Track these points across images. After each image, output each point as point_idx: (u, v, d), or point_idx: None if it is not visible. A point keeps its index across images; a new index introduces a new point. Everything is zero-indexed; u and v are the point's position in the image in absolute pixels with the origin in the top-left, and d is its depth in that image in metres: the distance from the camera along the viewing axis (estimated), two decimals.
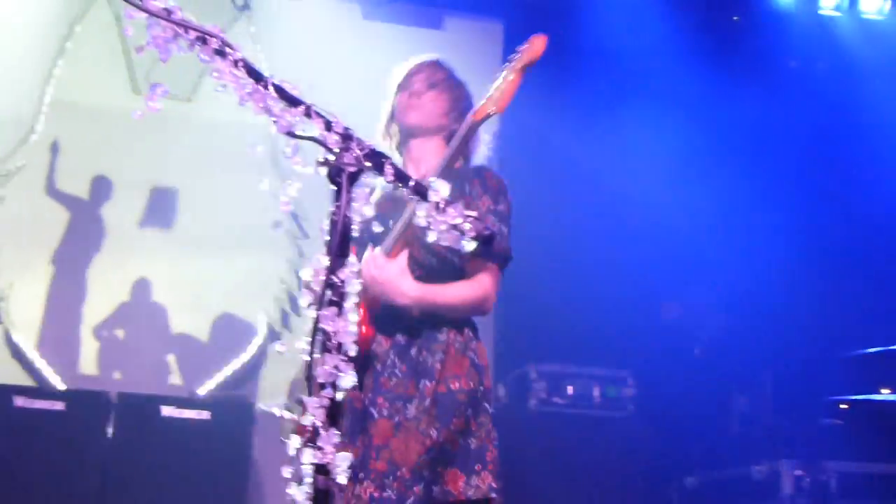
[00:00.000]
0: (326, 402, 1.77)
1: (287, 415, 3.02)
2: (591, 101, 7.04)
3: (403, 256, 3.00)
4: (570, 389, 6.27)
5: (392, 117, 3.35)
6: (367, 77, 6.83)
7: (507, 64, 3.03)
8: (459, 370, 3.04)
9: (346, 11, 7.04)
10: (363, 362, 3.01)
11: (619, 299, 6.81)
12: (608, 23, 7.01)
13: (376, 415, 2.97)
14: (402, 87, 3.32)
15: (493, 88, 3.00)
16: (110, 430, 5.32)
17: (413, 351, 3.03)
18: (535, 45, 3.00)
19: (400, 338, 3.06)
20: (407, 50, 7.00)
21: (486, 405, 3.09)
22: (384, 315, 3.06)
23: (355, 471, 2.88)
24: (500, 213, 3.16)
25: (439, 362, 3.01)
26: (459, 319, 3.13)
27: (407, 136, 3.31)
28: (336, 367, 1.78)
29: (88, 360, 6.40)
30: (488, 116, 3.02)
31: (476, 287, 3.13)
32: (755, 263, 6.89)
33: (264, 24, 6.90)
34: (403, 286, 2.98)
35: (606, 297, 6.79)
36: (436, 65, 3.38)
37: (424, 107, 3.26)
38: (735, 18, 7.39)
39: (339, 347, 1.78)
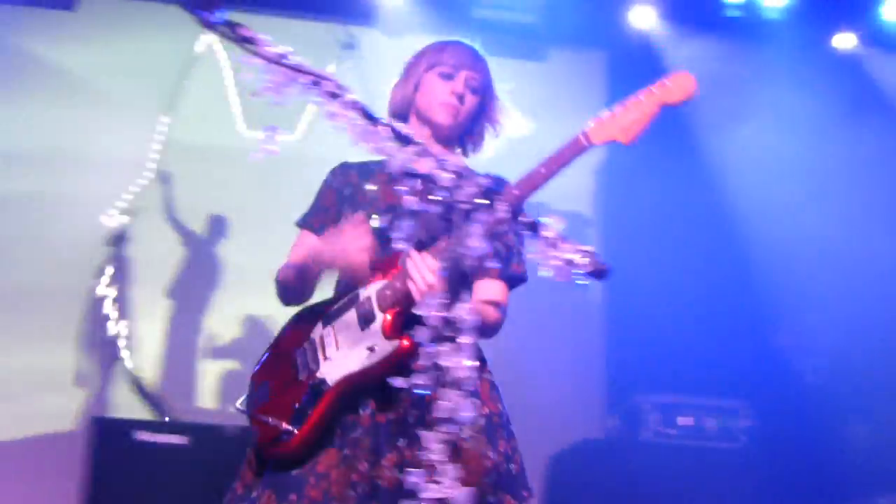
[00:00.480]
0: (445, 437, 1.79)
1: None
2: (705, 124, 6.96)
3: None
4: (683, 420, 6.18)
5: (414, 91, 3.07)
6: None
7: (644, 92, 2.60)
8: (485, 393, 2.85)
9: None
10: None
11: (732, 326, 6.70)
12: (714, 48, 6.94)
13: None
14: (443, 74, 3.03)
15: (619, 112, 2.55)
16: (228, 463, 5.40)
17: None
18: (686, 86, 2.58)
19: None
20: (512, 82, 7.08)
21: (512, 428, 2.88)
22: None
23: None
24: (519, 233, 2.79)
25: (479, 381, 2.82)
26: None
27: (420, 122, 3.03)
28: (454, 402, 1.79)
29: (208, 394, 6.54)
30: (610, 142, 2.53)
31: (501, 308, 2.91)
32: (872, 285, 6.72)
33: (371, 62, 7.00)
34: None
35: (719, 325, 6.69)
36: (483, 64, 3.10)
37: (462, 112, 3.00)
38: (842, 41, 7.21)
39: (457, 383, 1.79)
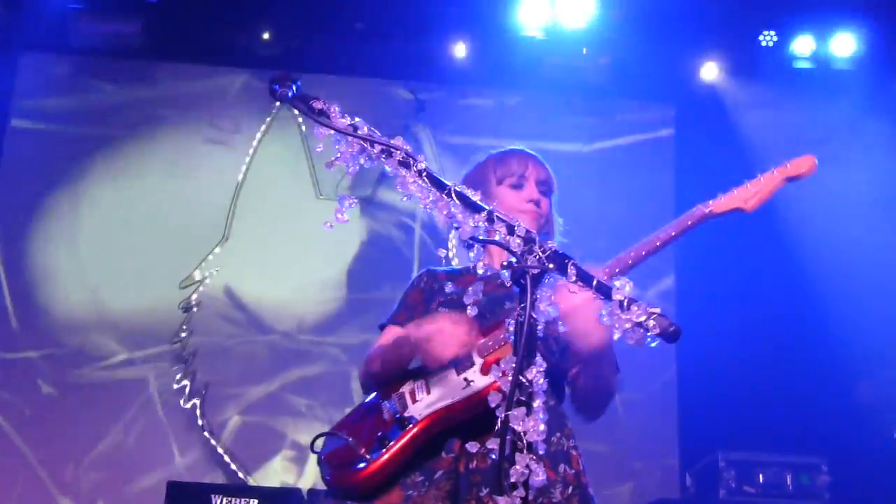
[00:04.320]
0: (518, 501, 1.79)
1: None
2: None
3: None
4: (760, 478, 6.07)
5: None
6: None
7: (766, 173, 2.86)
8: (578, 464, 2.84)
9: (516, 107, 7.17)
10: (484, 422, 2.57)
11: (809, 381, 6.60)
12: (784, 101, 6.91)
13: None
14: (512, 186, 3.10)
15: (741, 187, 2.82)
16: None
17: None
18: (807, 163, 2.84)
19: None
20: (581, 137, 7.12)
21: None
22: None
23: None
24: None
25: (574, 449, 2.84)
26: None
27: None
28: (527, 467, 1.80)
29: (281, 459, 6.56)
30: (734, 211, 2.80)
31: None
32: None
33: (439, 123, 7.10)
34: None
35: (795, 380, 6.59)
36: (544, 166, 3.18)
37: (542, 217, 3.09)
38: None
39: (530, 447, 1.80)
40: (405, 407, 2.79)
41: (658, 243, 2.74)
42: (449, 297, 2.98)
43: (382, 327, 3.12)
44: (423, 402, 2.76)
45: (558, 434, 2.83)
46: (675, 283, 6.91)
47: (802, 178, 2.86)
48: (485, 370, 2.73)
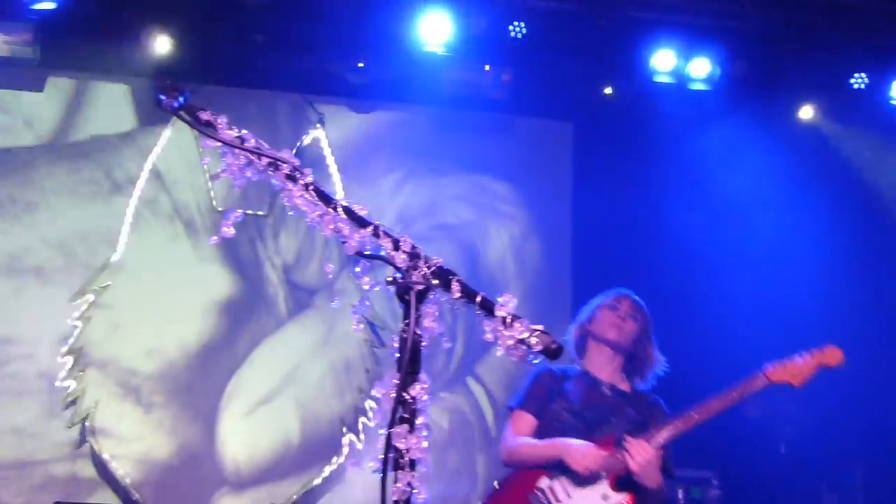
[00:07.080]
0: None
1: None
2: (677, 179, 7.03)
3: (659, 453, 3.95)
4: None
5: (588, 323, 4.28)
6: (441, 185, 6.97)
7: (808, 354, 3.96)
8: None
9: (417, 123, 7.17)
10: None
11: (698, 397, 6.69)
12: (679, 120, 7.03)
13: None
14: (609, 307, 4.27)
15: (789, 363, 3.95)
16: None
17: None
18: (836, 356, 3.93)
19: None
20: (479, 158, 7.17)
21: None
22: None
23: None
24: None
25: None
26: None
27: (595, 340, 4.24)
28: (409, 485, 1.78)
29: (174, 478, 6.47)
30: (784, 384, 3.97)
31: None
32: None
33: (337, 137, 7.05)
34: (657, 474, 3.95)
35: (685, 394, 6.68)
36: (640, 305, 4.28)
37: (625, 331, 4.23)
38: None
39: (412, 465, 1.79)
40: None
41: (720, 408, 4.17)
42: (569, 402, 4.14)
43: (510, 409, 4.22)
44: None
45: None
46: (572, 299, 6.98)
47: (833, 368, 3.91)
48: (612, 486, 3.94)
